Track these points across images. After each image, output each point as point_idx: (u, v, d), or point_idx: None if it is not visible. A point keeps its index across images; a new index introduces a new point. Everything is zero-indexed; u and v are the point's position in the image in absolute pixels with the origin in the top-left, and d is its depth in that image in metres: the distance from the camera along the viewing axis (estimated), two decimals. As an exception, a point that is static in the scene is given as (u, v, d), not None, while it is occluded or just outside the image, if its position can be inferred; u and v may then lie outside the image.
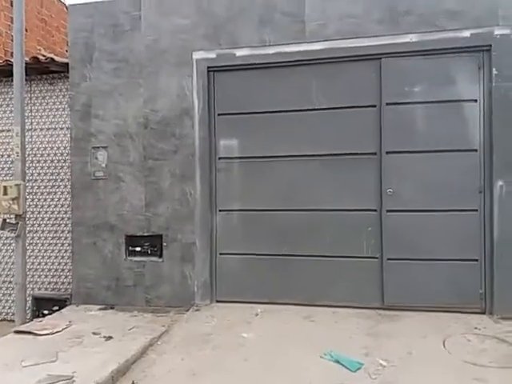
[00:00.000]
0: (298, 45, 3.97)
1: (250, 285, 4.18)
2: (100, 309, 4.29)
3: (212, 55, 4.14)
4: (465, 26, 3.70)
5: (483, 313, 3.79)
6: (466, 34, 3.70)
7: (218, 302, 4.22)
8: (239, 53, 4.08)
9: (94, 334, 3.57)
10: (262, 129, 4.18)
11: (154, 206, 4.29)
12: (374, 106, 3.96)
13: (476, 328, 3.55)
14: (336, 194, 4.06)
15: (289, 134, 4.11)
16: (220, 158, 4.27)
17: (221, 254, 4.28)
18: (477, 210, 3.81)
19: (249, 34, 4.06)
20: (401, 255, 3.94)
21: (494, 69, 3.66)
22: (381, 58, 3.89)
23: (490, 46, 3.67)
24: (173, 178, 4.25)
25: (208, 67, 4.16)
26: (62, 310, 4.35)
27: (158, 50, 4.26)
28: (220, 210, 4.27)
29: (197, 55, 4.15)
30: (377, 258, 4.00)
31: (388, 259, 3.96)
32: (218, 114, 4.25)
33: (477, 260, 3.82)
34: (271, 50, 4.02)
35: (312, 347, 3.22)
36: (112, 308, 4.30)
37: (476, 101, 3.78)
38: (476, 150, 3.80)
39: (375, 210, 4.00)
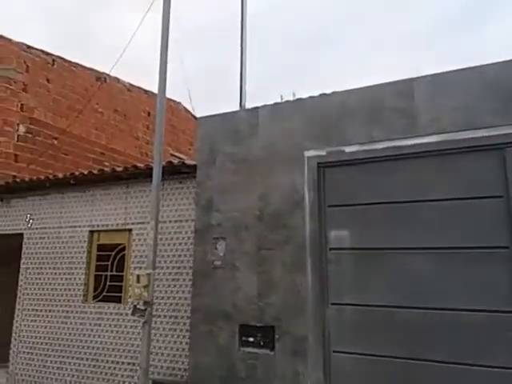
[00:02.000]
0: (409, 139, 4.03)
1: None
2: (214, 399, 4.31)
3: (322, 152, 4.41)
4: None
5: None
6: None
7: (331, 404, 3.96)
8: (348, 149, 4.28)
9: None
10: (374, 220, 4.16)
11: (266, 295, 4.40)
12: (501, 197, 3.72)
13: None
14: (461, 292, 3.72)
15: (403, 226, 4.02)
16: (331, 249, 4.30)
17: (334, 351, 4.10)
18: None
19: (358, 132, 4.27)
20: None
21: None
22: (504, 148, 3.72)
23: None
24: (284, 267, 4.37)
25: (318, 163, 4.41)
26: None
27: (272, 151, 4.67)
28: (332, 304, 4.19)
29: (308, 153, 4.46)
30: (515, 368, 3.46)
31: (535, 370, 3.40)
32: (328, 206, 4.37)
33: None
34: (380, 145, 4.15)
35: None
36: (225, 400, 4.29)
37: None
38: None
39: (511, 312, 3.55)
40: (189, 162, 5.72)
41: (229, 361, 4.45)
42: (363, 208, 4.23)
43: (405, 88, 4.12)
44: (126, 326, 5.81)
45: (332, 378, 4.06)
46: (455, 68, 3.94)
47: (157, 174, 5.00)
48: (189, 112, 12.19)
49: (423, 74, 4.06)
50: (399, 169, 4.13)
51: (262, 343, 4.34)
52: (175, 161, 5.85)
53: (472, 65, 3.87)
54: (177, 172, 5.81)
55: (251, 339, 4.40)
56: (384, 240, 4.08)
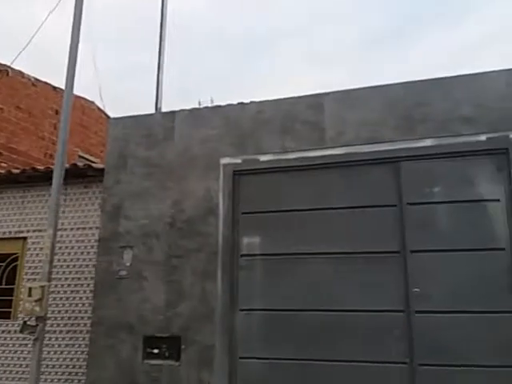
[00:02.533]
0: (318, 150, 4.23)
1: None
2: (112, 419, 3.99)
3: (238, 160, 4.44)
4: (480, 130, 3.88)
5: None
6: (483, 138, 3.88)
7: (238, 411, 3.89)
8: (262, 158, 4.37)
9: None
10: (284, 227, 4.26)
11: (175, 305, 4.23)
12: (395, 206, 4.05)
13: None
14: (359, 294, 3.95)
15: (311, 232, 4.17)
16: (242, 256, 4.30)
17: (241, 358, 4.06)
18: (511, 312, 3.61)
19: (272, 142, 4.38)
20: (434, 361, 3.66)
21: (512, 171, 3.78)
22: (399, 161, 4.08)
23: (507, 149, 3.82)
24: (195, 275, 4.25)
25: (234, 171, 4.43)
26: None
27: (187, 157, 4.58)
28: (241, 310, 4.16)
29: (224, 161, 4.46)
30: (406, 363, 3.72)
31: (420, 365, 3.68)
32: (242, 213, 4.39)
33: (518, 368, 3.51)
34: (292, 155, 4.29)
35: None
36: (125, 418, 3.99)
37: (499, 200, 3.82)
38: (504, 249, 3.73)
39: (402, 311, 3.83)
40: (96, 165, 5.38)
41: (131, 374, 4.16)
42: (274, 215, 4.31)
43: (316, 102, 4.35)
44: (14, 345, 5.17)
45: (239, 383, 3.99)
46: (361, 86, 4.26)
47: (57, 176, 4.56)
48: (103, 112, 11.53)
49: (333, 90, 4.32)
50: (308, 178, 4.30)
51: (167, 354, 4.14)
52: (81, 163, 5.46)
53: (377, 84, 4.21)
54: (82, 175, 5.42)
55: (156, 351, 4.18)
56: (292, 246, 4.19)
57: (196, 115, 4.71)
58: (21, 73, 9.61)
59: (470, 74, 4.01)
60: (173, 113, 4.79)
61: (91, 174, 5.36)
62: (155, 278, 4.38)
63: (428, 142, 3.99)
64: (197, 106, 5.09)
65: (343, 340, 3.90)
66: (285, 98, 4.46)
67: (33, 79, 9.97)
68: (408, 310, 3.82)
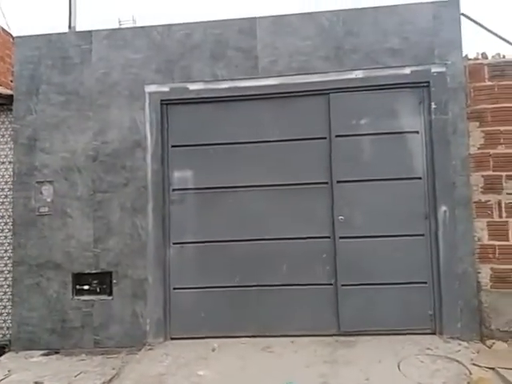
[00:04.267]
0: (251, 80, 4.09)
1: (205, 319, 4.06)
2: (43, 354, 3.96)
3: (165, 89, 4.16)
4: (406, 63, 3.99)
5: (434, 333, 3.91)
6: (407, 71, 4.00)
7: (172, 339, 4.04)
8: (192, 87, 4.14)
9: (36, 383, 3.27)
10: (216, 160, 4.20)
11: (103, 241, 4.12)
12: (325, 138, 4.13)
13: (428, 349, 3.65)
14: (290, 223, 4.11)
15: (243, 165, 4.17)
16: (174, 190, 4.22)
17: (175, 288, 4.14)
18: (423, 235, 4.00)
19: (202, 69, 4.14)
20: (354, 281, 4.02)
21: (432, 103, 3.96)
22: (329, 93, 4.09)
23: (429, 82, 3.97)
24: (123, 211, 4.12)
25: (161, 100, 4.17)
26: (0, 358, 3.97)
27: (109, 83, 4.21)
28: (174, 243, 4.17)
29: (149, 88, 4.16)
30: (332, 284, 4.05)
31: (342, 285, 4.03)
32: (172, 146, 4.23)
33: (426, 283, 3.98)
34: (224, 85, 4.11)
35: (270, 379, 3.15)
36: (57, 353, 3.98)
37: (418, 132, 4.05)
38: (420, 178, 4.03)
39: (329, 237, 4.09)
40: (4, 90, 4.76)
41: (61, 312, 4.10)
42: (207, 148, 4.22)
43: (248, 27, 4.12)
44: None
45: (172, 314, 4.12)
46: (294, 12, 4.08)
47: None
48: (10, 35, 10.00)
49: (266, 15, 4.09)
50: (241, 109, 4.19)
51: (98, 290, 4.10)
52: (-16, 89, 4.79)
53: (309, 10, 4.06)
54: (-13, 103, 4.78)
55: (86, 287, 4.12)
56: (224, 179, 4.17)
57: (116, 36, 4.26)
58: None
59: (398, 5, 4.01)
60: (89, 33, 4.29)
61: (-2, 102, 4.75)
62: (80, 214, 4.18)
63: (356, 74, 4.02)
64: (117, 27, 4.59)
65: (275, 266, 4.10)
66: (214, 21, 4.16)
67: None
68: (333, 236, 4.08)
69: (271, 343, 3.84)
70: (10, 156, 4.62)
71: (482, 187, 3.88)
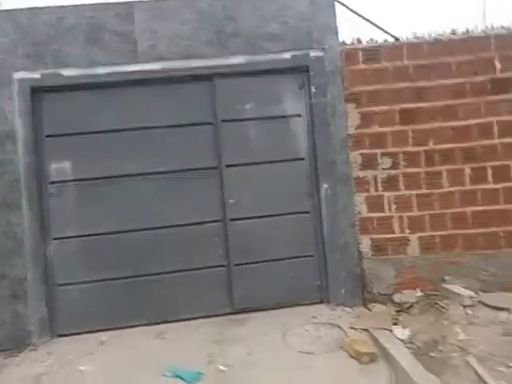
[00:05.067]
0: (130, 65, 3.98)
1: (95, 313, 3.99)
2: None
3: (36, 75, 3.92)
4: (286, 48, 4.07)
5: (321, 302, 4.19)
6: (287, 55, 4.10)
7: (60, 336, 3.93)
8: (66, 72, 3.94)
9: None
10: (98, 149, 4.05)
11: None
12: (211, 124, 4.16)
13: (314, 317, 3.90)
14: (181, 210, 4.12)
15: (128, 153, 4.08)
16: (52, 183, 4.04)
17: (59, 285, 4.01)
18: (309, 212, 4.22)
19: (77, 54, 3.95)
20: (246, 260, 4.16)
21: (312, 87, 4.12)
22: (213, 78, 4.10)
23: (308, 66, 4.11)
24: (-6, 209, 3.86)
25: (32, 88, 3.92)
26: None
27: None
28: (54, 239, 4.02)
29: (18, 75, 3.89)
30: (225, 265, 4.18)
31: (235, 265, 4.17)
32: (47, 136, 4.02)
33: (312, 256, 4.22)
34: (102, 70, 3.97)
35: (157, 366, 3.22)
36: None
37: (300, 116, 4.20)
38: (303, 159, 4.22)
39: (220, 221, 4.18)
40: None
41: None
42: (87, 137, 4.06)
43: (125, 11, 3.97)
44: None
45: (58, 311, 3.97)
46: (171, -4, 4.00)
47: None
48: None
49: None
50: (122, 96, 4.08)
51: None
52: None
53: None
54: None
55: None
56: (109, 169, 4.07)
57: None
58: None
59: (274, -10, 4.07)
60: None
61: None
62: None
63: (239, 59, 4.06)
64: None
65: (167, 254, 4.11)
66: (90, 4, 3.96)
67: None
68: (224, 219, 4.18)
69: (165, 330, 3.88)
70: None
71: (360, 164, 4.14)
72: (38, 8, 3.91)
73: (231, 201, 4.16)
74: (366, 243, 4.16)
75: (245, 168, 4.17)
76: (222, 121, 4.14)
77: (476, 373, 2.70)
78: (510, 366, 2.71)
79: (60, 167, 4.03)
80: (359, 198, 4.15)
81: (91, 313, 4.00)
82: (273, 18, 4.06)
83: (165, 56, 4.01)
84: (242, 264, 4.17)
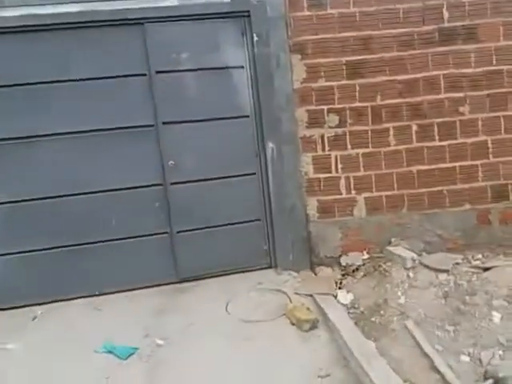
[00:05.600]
0: (46, 7, 3.43)
1: (27, 286, 3.69)
2: None
3: None
4: (225, -10, 3.65)
5: (270, 267, 4.07)
6: (227, -1, 3.67)
7: (-14, 311, 3.64)
8: (-29, 14, 3.35)
9: None
10: (16, 105, 3.58)
11: None
12: (145, 75, 3.73)
13: (260, 283, 3.79)
14: (117, 173, 3.78)
15: (50, 110, 3.62)
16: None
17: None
18: (255, 173, 3.99)
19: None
20: (189, 226, 3.93)
21: (254, 35, 3.74)
22: (144, 23, 3.63)
23: (249, 11, 3.71)
24: None
25: None
26: None
27: None
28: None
29: None
30: (167, 232, 3.93)
31: (177, 232, 3.92)
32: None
33: (260, 220, 4.04)
34: (12, 12, 3.40)
35: (91, 342, 3.01)
36: None
37: (243, 67, 3.84)
38: (248, 116, 3.91)
39: (161, 185, 3.87)
40: None
41: None
42: (2, 91, 3.55)
43: None
44: None
45: None
46: None
47: None
48: None
49: None
50: (41, 43, 3.55)
51: None
52: None
53: None
54: None
55: None
56: (31, 127, 3.62)
57: None
58: None
59: None
60: None
61: None
62: None
63: (172, 2, 3.59)
64: None
65: (104, 221, 3.80)
66: None
67: None
68: (165, 182, 3.87)
69: (104, 301, 3.66)
70: None
71: (306, 122, 3.89)
72: None
73: (171, 163, 3.83)
74: (312, 205, 4.00)
75: (184, 126, 3.82)
76: (157, 72, 3.72)
77: (413, 337, 2.68)
78: (446, 330, 2.71)
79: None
80: (306, 159, 3.94)
81: (23, 286, 3.70)
82: (210, -44, 3.57)
83: (86, -4, 3.47)
84: (184, 231, 3.92)
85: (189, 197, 3.91)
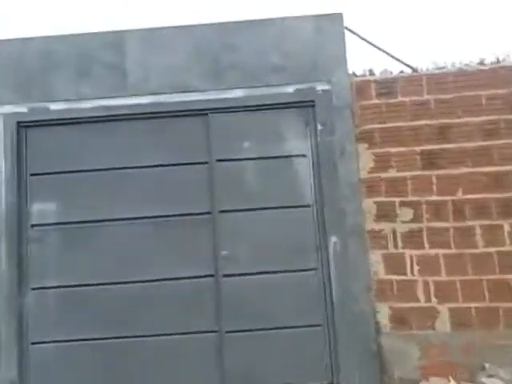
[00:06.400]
0: (119, 98, 3.64)
1: (72, 378, 3.43)
2: None
3: (22, 109, 3.65)
4: (289, 81, 3.64)
5: (331, 385, 3.41)
6: (290, 89, 3.64)
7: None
8: (54, 106, 3.65)
9: None
10: (84, 190, 3.67)
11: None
12: (206, 163, 3.68)
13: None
14: (170, 260, 3.59)
15: (117, 195, 3.65)
16: (33, 226, 3.64)
17: (33, 343, 3.50)
18: (315, 269, 3.55)
19: (65, 87, 3.66)
20: (241, 326, 3.49)
21: (318, 124, 3.60)
22: (208, 113, 3.68)
23: (314, 101, 3.63)
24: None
25: (18, 122, 3.65)
26: None
27: (-43, 104, 3.67)
28: (33, 289, 3.56)
29: (4, 109, 3.63)
30: (216, 331, 3.52)
31: (227, 332, 3.50)
32: (31, 175, 3.68)
33: (320, 325, 3.50)
34: (89, 104, 3.64)
35: None
36: None
37: (305, 156, 3.66)
38: (309, 206, 3.62)
39: (212, 276, 3.58)
40: None
41: None
42: (71, 176, 3.69)
43: (115, 41, 3.69)
44: None
45: (32, 373, 3.47)
46: (166, 25, 3.69)
47: None
48: None
49: (135, 28, 3.70)
50: (111, 132, 3.72)
51: None
52: None
53: (182, 23, 3.68)
54: None
55: None
56: (93, 212, 3.64)
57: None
58: None
59: (277, 18, 3.68)
60: None
61: None
62: None
63: (237, 93, 3.63)
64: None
65: (150, 313, 3.54)
66: (79, 34, 3.72)
67: None
68: (217, 274, 3.57)
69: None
70: None
71: (375, 215, 3.50)
72: (28, 38, 3.69)
73: (225, 253, 3.57)
74: (383, 313, 3.42)
75: (242, 214, 3.61)
76: (218, 160, 3.66)
77: None
78: None
79: (44, 208, 3.65)
80: (375, 256, 3.47)
81: (68, 377, 3.47)
82: (274, 48, 3.64)
83: (156, 89, 3.65)
84: (235, 331, 3.49)
85: (242, 291, 3.54)
